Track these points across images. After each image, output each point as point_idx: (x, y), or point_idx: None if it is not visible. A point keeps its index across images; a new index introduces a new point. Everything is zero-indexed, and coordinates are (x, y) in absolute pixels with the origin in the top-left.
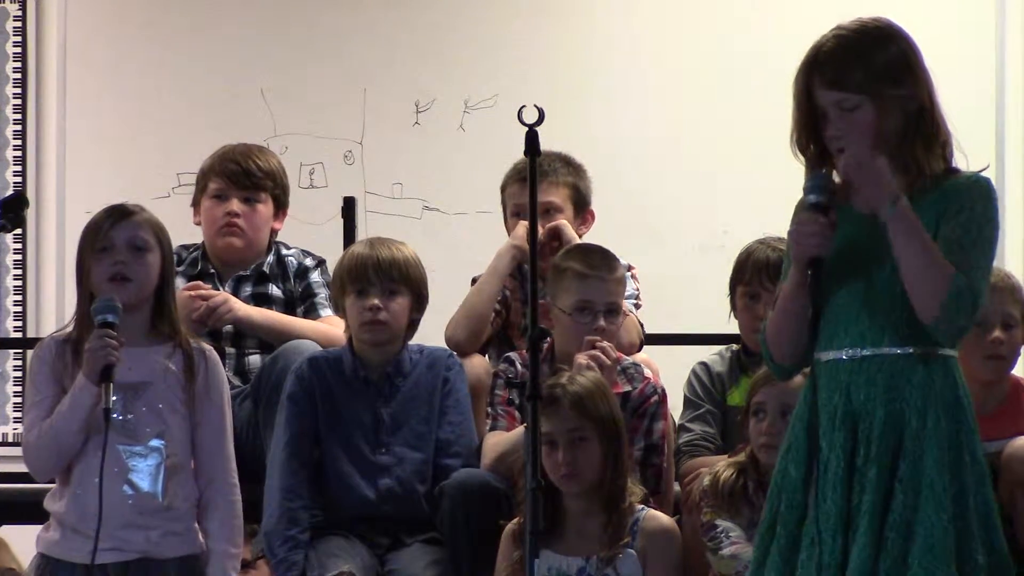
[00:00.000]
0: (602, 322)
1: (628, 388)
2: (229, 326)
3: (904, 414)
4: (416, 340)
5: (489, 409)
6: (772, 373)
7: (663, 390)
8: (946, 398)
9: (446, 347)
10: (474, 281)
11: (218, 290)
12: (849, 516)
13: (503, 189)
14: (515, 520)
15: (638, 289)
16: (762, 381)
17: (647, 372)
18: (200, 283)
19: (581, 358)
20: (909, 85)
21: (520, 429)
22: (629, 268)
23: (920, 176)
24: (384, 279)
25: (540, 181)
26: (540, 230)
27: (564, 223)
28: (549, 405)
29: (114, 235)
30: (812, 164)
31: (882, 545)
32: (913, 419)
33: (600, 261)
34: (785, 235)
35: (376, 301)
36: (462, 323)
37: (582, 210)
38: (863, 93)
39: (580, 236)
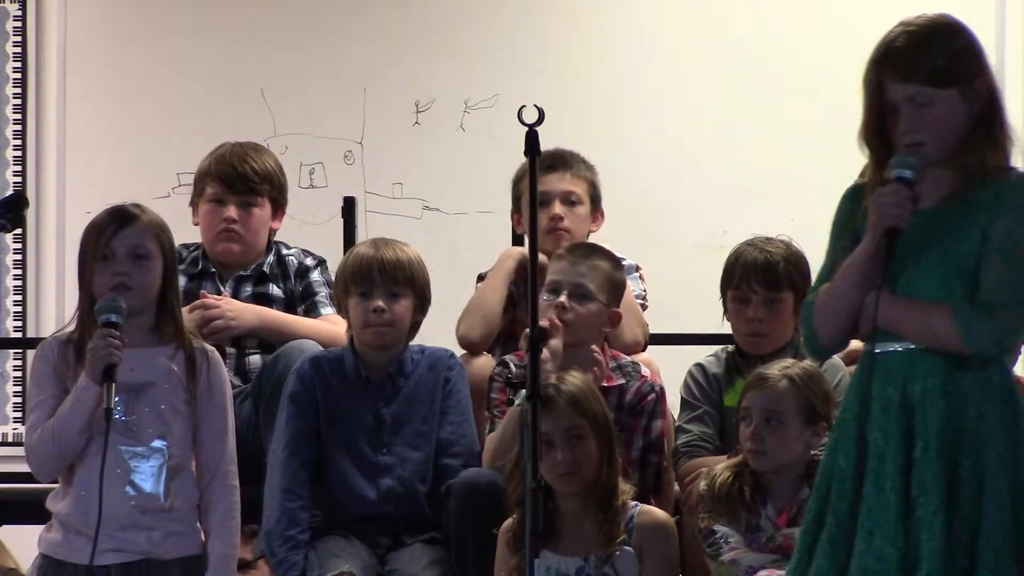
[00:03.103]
0: (563, 298)
1: (622, 381)
2: None
3: (962, 407)
4: (417, 340)
5: (487, 412)
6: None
7: (661, 388)
8: (1003, 392)
9: (447, 347)
10: (480, 278)
11: (219, 289)
12: (908, 506)
13: (517, 182)
14: (509, 520)
15: (645, 290)
16: (751, 386)
17: (644, 370)
18: (204, 299)
19: (544, 321)
20: (980, 80)
21: (503, 421)
22: (636, 268)
23: (980, 174)
24: (388, 281)
25: (564, 172)
26: (556, 219)
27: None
28: (544, 405)
29: (115, 244)
30: (876, 159)
31: (954, 542)
32: (972, 412)
33: (578, 248)
34: (778, 236)
35: (380, 303)
36: (478, 323)
37: (596, 207)
38: (937, 87)
39: (590, 233)
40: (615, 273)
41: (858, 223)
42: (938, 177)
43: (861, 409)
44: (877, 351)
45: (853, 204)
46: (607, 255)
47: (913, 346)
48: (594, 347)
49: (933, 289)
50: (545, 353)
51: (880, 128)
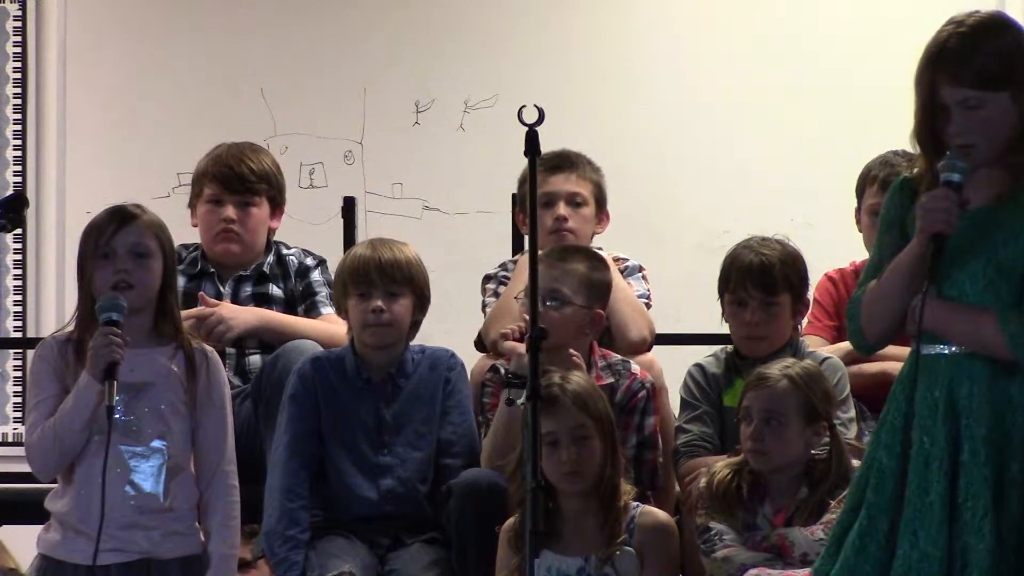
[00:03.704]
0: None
1: (611, 380)
2: None
3: (1008, 412)
4: (418, 340)
5: (480, 418)
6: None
7: (652, 385)
8: None
9: (447, 347)
10: (486, 279)
11: (219, 290)
12: (953, 510)
13: (524, 183)
14: (510, 520)
15: (649, 290)
16: (751, 386)
17: (635, 368)
18: (199, 308)
19: (513, 326)
20: None
21: (494, 421)
22: (640, 269)
23: None
24: (386, 281)
25: (569, 173)
26: (561, 220)
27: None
28: (549, 404)
29: (116, 242)
30: (928, 157)
31: (1002, 545)
32: (1019, 417)
33: (555, 252)
34: (775, 236)
35: (379, 303)
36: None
37: (601, 209)
38: (988, 91)
39: (595, 235)
40: (594, 274)
41: (906, 217)
42: (988, 177)
43: (908, 408)
44: (923, 352)
45: (901, 197)
46: (587, 256)
47: (958, 349)
48: (572, 351)
49: (979, 292)
50: (517, 357)
51: (933, 126)
